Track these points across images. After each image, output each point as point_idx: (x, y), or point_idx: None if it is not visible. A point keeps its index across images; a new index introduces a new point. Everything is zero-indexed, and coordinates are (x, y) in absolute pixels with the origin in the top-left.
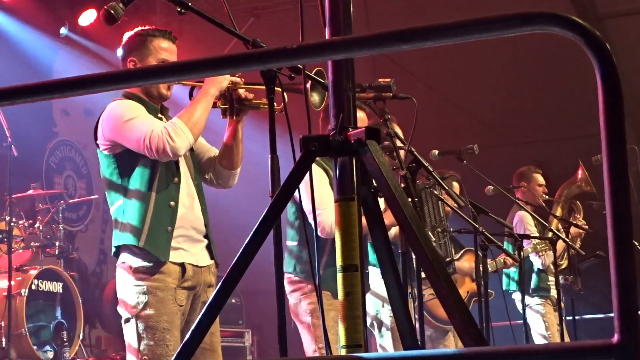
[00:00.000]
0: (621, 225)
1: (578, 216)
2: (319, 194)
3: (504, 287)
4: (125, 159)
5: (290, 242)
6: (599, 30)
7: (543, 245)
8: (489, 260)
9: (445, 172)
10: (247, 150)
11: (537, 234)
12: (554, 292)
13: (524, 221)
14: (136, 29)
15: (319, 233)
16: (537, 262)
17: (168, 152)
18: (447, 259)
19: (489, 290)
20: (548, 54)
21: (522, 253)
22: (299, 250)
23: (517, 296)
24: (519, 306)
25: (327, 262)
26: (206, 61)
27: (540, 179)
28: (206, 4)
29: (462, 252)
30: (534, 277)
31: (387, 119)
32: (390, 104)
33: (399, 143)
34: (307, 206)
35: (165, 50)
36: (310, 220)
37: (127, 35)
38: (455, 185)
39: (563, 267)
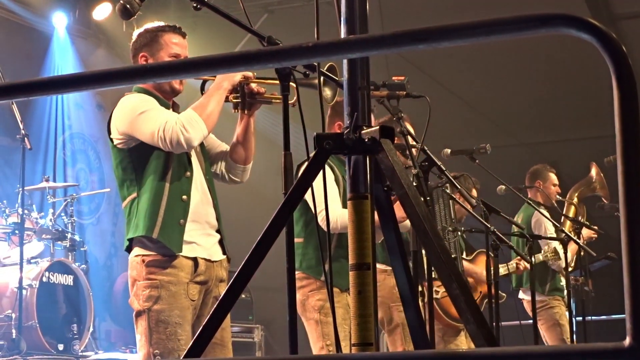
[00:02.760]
0: (634, 227)
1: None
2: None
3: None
4: (139, 153)
5: (296, 238)
6: (613, 31)
7: (553, 254)
8: (500, 266)
9: (466, 175)
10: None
11: (554, 235)
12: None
13: (542, 224)
14: (146, 25)
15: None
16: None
17: (182, 143)
18: (452, 256)
19: (501, 293)
20: (562, 54)
21: (533, 256)
22: (304, 246)
23: (522, 295)
24: (526, 306)
25: (332, 257)
26: (222, 58)
27: (554, 178)
28: None
29: (474, 253)
30: (549, 277)
31: (400, 117)
32: (404, 102)
33: (411, 141)
34: (312, 203)
35: (176, 45)
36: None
37: (137, 32)
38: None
39: (571, 269)
